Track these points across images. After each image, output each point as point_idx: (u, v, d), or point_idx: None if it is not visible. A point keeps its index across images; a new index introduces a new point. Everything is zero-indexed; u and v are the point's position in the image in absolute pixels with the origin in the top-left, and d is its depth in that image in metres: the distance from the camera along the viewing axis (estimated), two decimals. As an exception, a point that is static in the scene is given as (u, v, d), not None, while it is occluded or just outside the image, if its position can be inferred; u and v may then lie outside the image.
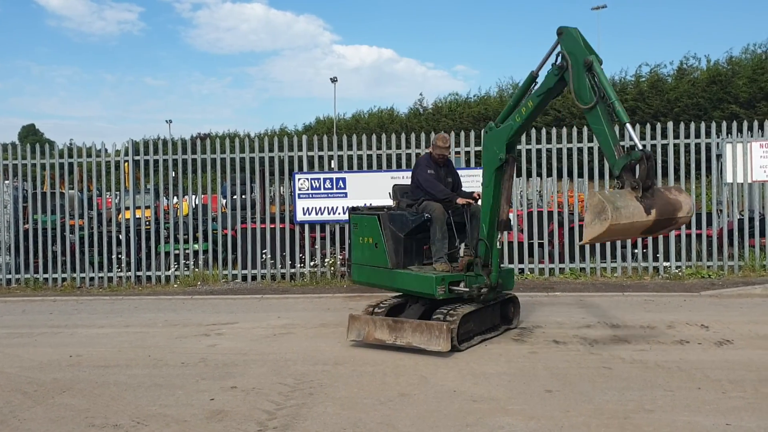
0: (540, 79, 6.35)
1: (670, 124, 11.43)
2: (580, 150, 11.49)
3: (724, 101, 36.69)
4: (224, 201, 13.97)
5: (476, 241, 6.76)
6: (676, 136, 11.32)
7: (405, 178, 11.56)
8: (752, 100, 36.84)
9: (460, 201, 7.10)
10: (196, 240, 12.03)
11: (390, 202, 7.92)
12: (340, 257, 11.57)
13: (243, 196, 12.56)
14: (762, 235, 11.27)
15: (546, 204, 12.45)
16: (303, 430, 4.45)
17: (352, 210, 7.65)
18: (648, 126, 11.55)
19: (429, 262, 7.12)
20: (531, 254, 11.51)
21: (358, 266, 7.38)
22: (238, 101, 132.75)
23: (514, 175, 6.74)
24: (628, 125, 5.81)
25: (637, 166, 5.53)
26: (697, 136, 11.28)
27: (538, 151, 11.52)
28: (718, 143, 11.33)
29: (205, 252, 12.02)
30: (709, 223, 11.33)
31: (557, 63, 6.02)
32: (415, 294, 6.85)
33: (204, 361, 6.34)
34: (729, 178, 11.20)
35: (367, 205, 10.90)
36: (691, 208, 5.81)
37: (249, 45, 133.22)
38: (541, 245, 11.59)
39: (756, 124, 11.36)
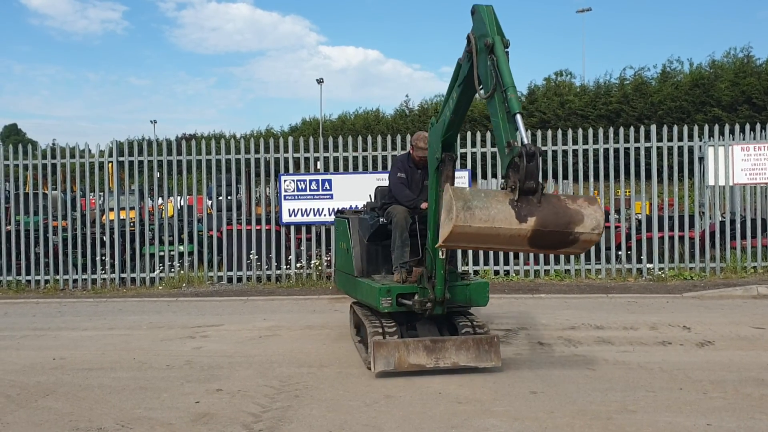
0: None
1: (653, 127, 11.54)
2: (565, 152, 11.57)
3: (706, 104, 37.03)
4: (210, 202, 13.93)
5: (424, 250, 6.05)
6: (659, 139, 11.43)
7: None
8: (734, 104, 37.23)
9: (424, 206, 6.26)
10: (181, 241, 11.99)
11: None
12: (326, 259, 11.57)
13: (229, 198, 12.53)
14: (743, 237, 11.41)
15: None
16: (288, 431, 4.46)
17: (336, 213, 7.45)
18: (632, 129, 11.65)
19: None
20: (516, 256, 11.57)
21: (339, 273, 7.13)
22: (223, 102, 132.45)
23: (454, 176, 5.82)
24: (518, 116, 4.70)
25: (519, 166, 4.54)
26: (680, 139, 11.41)
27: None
28: (700, 146, 11.46)
29: (191, 254, 11.98)
30: (692, 226, 11.45)
31: (467, 47, 5.18)
32: (369, 306, 6.27)
33: (189, 364, 6.32)
34: (711, 181, 11.33)
35: (353, 207, 10.89)
36: (598, 224, 4.63)
37: (234, 45, 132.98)
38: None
39: (737, 127, 11.51)
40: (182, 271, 11.78)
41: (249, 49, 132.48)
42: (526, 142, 4.60)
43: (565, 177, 11.74)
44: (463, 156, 11.84)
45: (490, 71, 4.86)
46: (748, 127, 11.52)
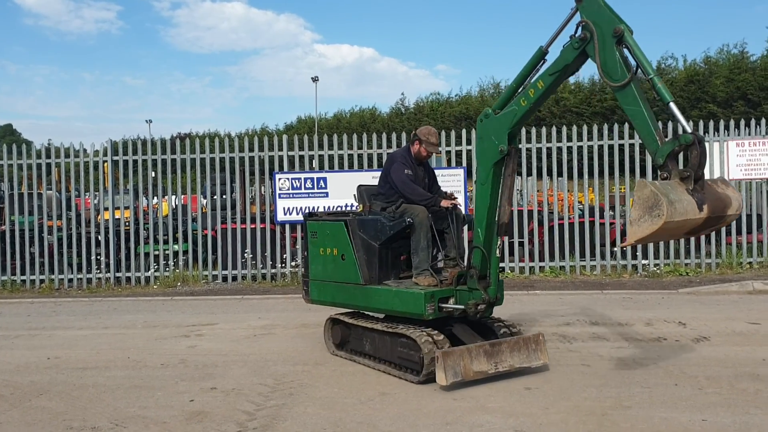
0: (550, 57, 5.36)
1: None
2: (559, 149, 11.56)
3: (702, 101, 37.18)
4: (204, 201, 13.89)
5: (470, 248, 5.71)
6: (654, 136, 11.42)
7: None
8: (729, 100, 37.34)
9: (445, 203, 6.06)
10: (176, 240, 11.96)
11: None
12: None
13: (224, 196, 12.50)
14: (739, 233, 11.42)
15: (526, 203, 12.54)
16: (283, 430, 4.44)
17: (309, 216, 6.58)
18: (626, 125, 11.65)
19: (405, 275, 6.13)
20: (511, 253, 11.57)
21: (319, 283, 6.35)
22: (218, 101, 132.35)
23: (516, 170, 5.69)
24: (673, 105, 4.76)
25: (689, 153, 4.64)
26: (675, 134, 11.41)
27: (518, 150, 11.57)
28: (695, 142, 11.44)
29: (185, 253, 11.95)
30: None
31: (577, 34, 5.06)
32: (398, 315, 5.74)
33: (184, 363, 6.31)
34: (707, 177, 11.30)
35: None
36: (740, 205, 4.93)
37: (229, 44, 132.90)
38: (521, 244, 11.66)
39: (732, 123, 11.51)
40: (177, 270, 11.75)
41: (244, 47, 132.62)
42: (689, 130, 4.63)
43: (560, 174, 11.73)
44: (458, 153, 11.85)
45: (620, 60, 4.85)
46: (743, 122, 11.52)
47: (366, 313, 6.21)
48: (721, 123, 11.47)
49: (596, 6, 4.96)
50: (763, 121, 11.55)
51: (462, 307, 5.55)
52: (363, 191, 6.53)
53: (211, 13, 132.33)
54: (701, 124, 11.46)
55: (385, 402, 4.97)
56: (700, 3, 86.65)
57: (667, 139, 4.69)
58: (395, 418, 4.61)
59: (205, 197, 13.60)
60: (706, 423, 4.38)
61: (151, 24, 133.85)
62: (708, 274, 10.97)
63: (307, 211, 6.70)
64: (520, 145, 11.46)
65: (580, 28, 5.04)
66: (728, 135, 11.34)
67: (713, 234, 11.20)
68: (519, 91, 5.50)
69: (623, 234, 11.51)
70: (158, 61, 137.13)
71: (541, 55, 5.37)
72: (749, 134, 11.44)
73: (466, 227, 6.65)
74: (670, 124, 11.30)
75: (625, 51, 4.90)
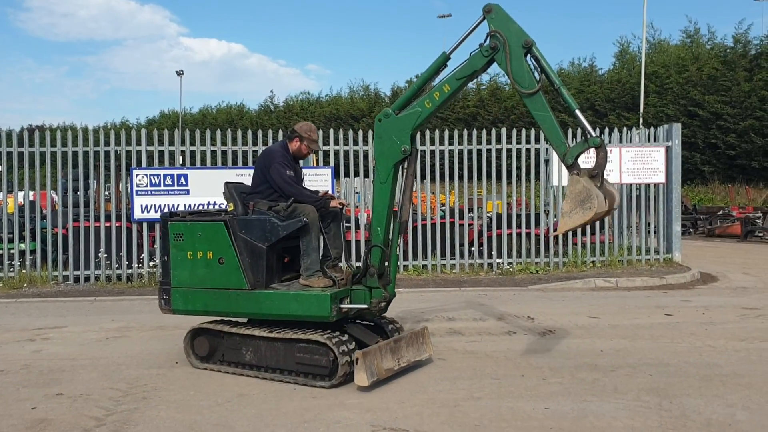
0: (452, 62, 5.57)
1: (503, 130, 12.16)
2: (423, 152, 11.90)
3: (555, 109, 39.29)
4: (55, 197, 13.03)
5: (368, 247, 5.67)
6: (509, 142, 12.08)
7: (251, 175, 11.38)
8: (580, 110, 40.00)
9: (334, 204, 6.01)
10: (22, 239, 11.14)
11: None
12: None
13: (78, 193, 11.78)
14: (583, 234, 12.29)
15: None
16: (133, 435, 4.28)
17: (170, 216, 5.97)
18: (484, 131, 12.22)
19: (289, 277, 5.90)
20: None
21: (185, 291, 5.78)
22: (75, 92, 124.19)
23: (416, 170, 5.74)
24: (578, 111, 5.28)
25: (596, 155, 5.09)
26: (528, 142, 12.12)
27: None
28: (546, 149, 12.21)
29: (33, 252, 11.16)
30: (537, 223, 12.19)
31: (487, 43, 5.31)
32: (294, 319, 5.50)
33: (27, 368, 5.89)
34: (555, 182, 12.12)
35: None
36: (618, 201, 5.58)
37: (88, 33, 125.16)
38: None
39: (579, 132, 12.35)
40: (24, 271, 10.95)
41: (104, 37, 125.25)
42: (594, 134, 5.16)
43: (423, 177, 12.09)
44: (326, 154, 11.91)
45: (529, 70, 5.22)
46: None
47: (236, 320, 5.88)
48: (569, 131, 12.27)
49: (505, 18, 5.28)
50: (607, 130, 12.51)
51: (365, 306, 5.51)
52: (233, 189, 6.11)
53: (68, 0, 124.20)
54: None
55: (243, 403, 4.92)
56: (552, 17, 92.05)
57: (575, 142, 5.02)
58: (252, 419, 4.58)
59: (58, 193, 12.77)
60: (548, 411, 4.70)
61: (0, 6, 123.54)
62: (556, 272, 11.72)
63: (166, 210, 5.99)
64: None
65: (489, 38, 5.30)
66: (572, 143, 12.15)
67: (561, 236, 11.97)
68: (419, 93, 5.65)
69: (480, 234, 12.08)
70: (7, 47, 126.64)
71: (444, 59, 5.58)
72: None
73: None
74: (523, 131, 11.99)
75: (532, 61, 5.28)
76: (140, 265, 11.20)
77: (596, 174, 5.00)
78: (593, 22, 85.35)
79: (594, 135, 5.13)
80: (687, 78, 35.55)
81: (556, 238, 12.05)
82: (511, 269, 11.79)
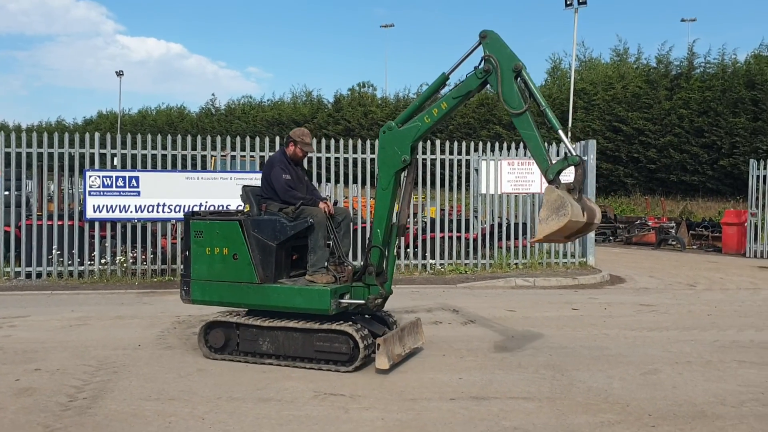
0: (451, 82, 6.20)
1: (437, 142, 13.19)
2: (364, 160, 12.79)
3: (490, 122, 41.09)
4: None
5: (369, 248, 6.27)
6: (443, 152, 13.11)
7: (200, 179, 12.08)
8: (563, 130, 41.80)
9: (322, 206, 6.44)
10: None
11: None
12: (132, 255, 11.74)
13: (17, 192, 12.13)
14: (508, 238, 13.41)
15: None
16: (111, 399, 5.03)
17: (192, 215, 6.51)
18: (421, 142, 13.17)
19: (297, 273, 6.45)
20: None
21: (203, 283, 6.29)
22: (3, 88, 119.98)
23: (415, 178, 6.33)
24: (561, 131, 5.77)
25: (575, 171, 5.62)
26: (460, 153, 13.19)
27: (327, 159, 12.67)
28: (477, 160, 13.32)
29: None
30: (467, 228, 13.27)
31: (481, 66, 5.90)
32: (297, 311, 6.04)
33: (1, 349, 6.52)
34: (483, 190, 13.24)
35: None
36: (599, 217, 5.92)
37: (18, 26, 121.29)
38: (328, 245, 12.67)
39: (506, 145, 13.50)
40: (-27, 267, 11.31)
41: (36, 32, 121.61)
42: (575, 153, 5.72)
43: (364, 183, 12.95)
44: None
45: (518, 92, 5.79)
46: (514, 145, 13.54)
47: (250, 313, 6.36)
48: (496, 145, 13.40)
49: (498, 43, 5.90)
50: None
51: (362, 301, 6.10)
52: (249, 192, 6.68)
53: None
54: (480, 144, 13.36)
55: (203, 376, 5.71)
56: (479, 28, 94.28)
57: (556, 159, 5.80)
58: (213, 387, 5.39)
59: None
60: (461, 380, 5.66)
61: None
62: (482, 272, 12.79)
63: (189, 210, 6.66)
64: (334, 155, 12.61)
65: (483, 61, 5.92)
66: (501, 155, 13.30)
67: (488, 239, 13.08)
68: (420, 108, 6.28)
69: (415, 238, 13.06)
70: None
71: (443, 79, 6.26)
72: (518, 155, 13.48)
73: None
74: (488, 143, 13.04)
75: (521, 84, 5.90)
76: (91, 263, 11.70)
77: (574, 188, 5.53)
78: (524, 37, 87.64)
79: (574, 154, 5.67)
80: (613, 95, 37.73)
81: (483, 241, 13.13)
82: (442, 269, 12.81)
